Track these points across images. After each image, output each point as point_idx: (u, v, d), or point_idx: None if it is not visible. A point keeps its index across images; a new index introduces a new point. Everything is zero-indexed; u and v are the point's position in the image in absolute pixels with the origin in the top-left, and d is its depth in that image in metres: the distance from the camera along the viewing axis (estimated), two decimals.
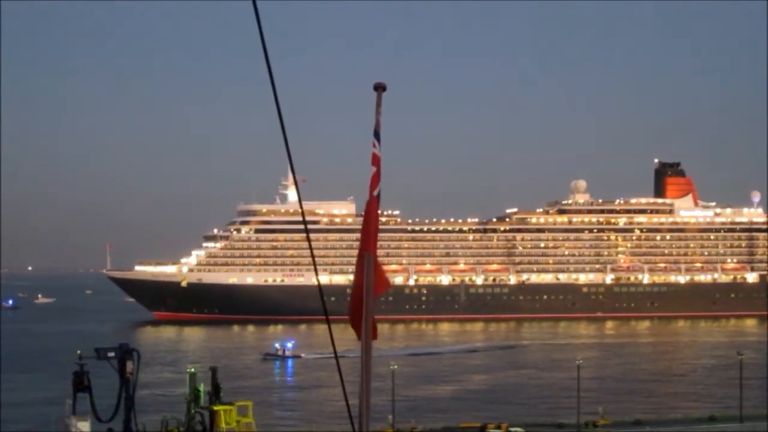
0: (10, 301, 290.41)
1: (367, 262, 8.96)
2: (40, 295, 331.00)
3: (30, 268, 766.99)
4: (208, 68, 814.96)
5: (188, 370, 61.68)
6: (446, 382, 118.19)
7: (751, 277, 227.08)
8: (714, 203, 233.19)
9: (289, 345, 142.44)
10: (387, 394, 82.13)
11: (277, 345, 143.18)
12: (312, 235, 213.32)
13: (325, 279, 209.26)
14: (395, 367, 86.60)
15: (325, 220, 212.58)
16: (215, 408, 57.49)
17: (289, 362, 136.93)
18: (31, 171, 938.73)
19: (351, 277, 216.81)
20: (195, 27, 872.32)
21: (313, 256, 14.25)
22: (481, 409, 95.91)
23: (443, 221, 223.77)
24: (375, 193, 9.06)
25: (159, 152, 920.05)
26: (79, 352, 27.00)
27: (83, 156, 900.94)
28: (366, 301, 8.95)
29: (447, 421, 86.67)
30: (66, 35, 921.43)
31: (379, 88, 9.00)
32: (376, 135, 8.99)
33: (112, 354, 25.83)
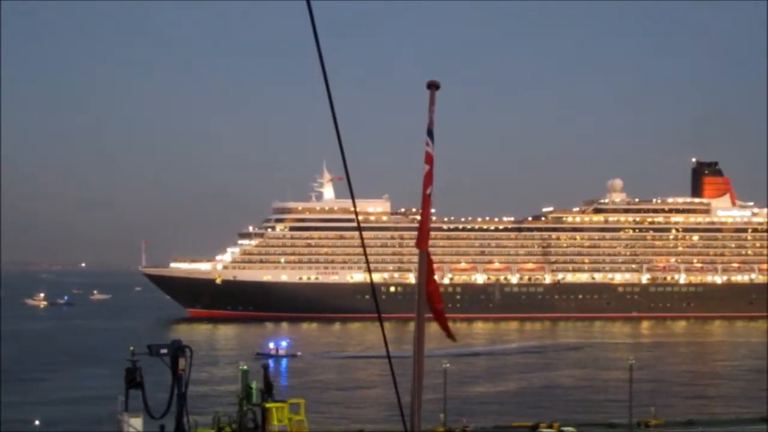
0: (65, 298, 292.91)
1: (420, 259, 8.87)
2: (95, 292, 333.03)
3: (83, 265, 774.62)
4: (245, 66, 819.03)
5: (240, 367, 61.56)
6: (498, 382, 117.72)
7: None
8: (752, 203, 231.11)
9: (284, 344, 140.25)
10: (433, 393, 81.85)
11: (271, 344, 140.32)
12: (346, 233, 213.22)
13: (360, 277, 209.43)
14: (447, 365, 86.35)
15: (360, 218, 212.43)
16: (267, 405, 57.37)
17: (284, 361, 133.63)
18: (69, 171, 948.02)
19: (385, 275, 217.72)
20: (230, 26, 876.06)
21: (365, 254, 14.22)
22: (532, 408, 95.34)
23: (479, 219, 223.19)
24: (428, 191, 8.97)
25: (195, 150, 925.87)
26: (131, 348, 27.12)
27: (119, 154, 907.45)
28: (418, 297, 8.84)
29: (498, 420, 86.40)
30: (96, 34, 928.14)
31: (432, 86, 8.90)
32: (429, 133, 8.90)
33: (164, 351, 25.82)
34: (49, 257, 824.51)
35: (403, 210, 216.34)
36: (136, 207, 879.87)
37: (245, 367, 60.30)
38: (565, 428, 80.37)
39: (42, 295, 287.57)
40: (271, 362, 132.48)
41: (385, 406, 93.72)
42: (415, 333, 8.69)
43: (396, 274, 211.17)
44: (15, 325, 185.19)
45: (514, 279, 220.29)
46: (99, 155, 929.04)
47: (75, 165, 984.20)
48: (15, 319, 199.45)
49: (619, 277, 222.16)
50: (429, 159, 9.02)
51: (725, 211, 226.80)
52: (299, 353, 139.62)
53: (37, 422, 78.30)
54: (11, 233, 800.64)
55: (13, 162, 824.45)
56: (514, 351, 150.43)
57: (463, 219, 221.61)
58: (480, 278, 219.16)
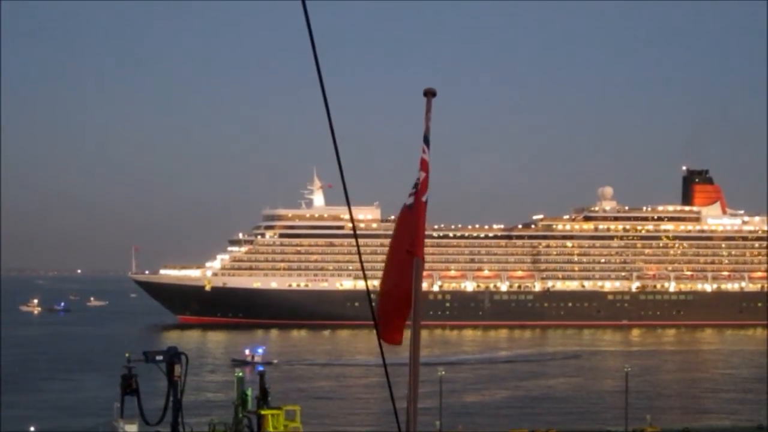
0: (62, 304, 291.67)
1: (416, 267, 8.82)
2: (92, 298, 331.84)
3: (79, 271, 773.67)
4: (237, 72, 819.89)
5: (236, 374, 61.54)
6: (493, 389, 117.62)
7: None
8: (742, 211, 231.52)
9: (260, 351, 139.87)
10: (429, 400, 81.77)
11: (247, 351, 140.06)
12: (336, 241, 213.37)
13: (349, 284, 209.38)
14: (443, 372, 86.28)
15: (350, 225, 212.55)
16: (263, 412, 57.31)
17: (258, 369, 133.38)
18: (66, 177, 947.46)
19: (375, 282, 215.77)
20: (224, 31, 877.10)
21: (361, 260, 14.13)
22: (528, 415, 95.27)
23: (468, 227, 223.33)
24: (423, 198, 9.01)
25: (186, 156, 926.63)
26: (127, 354, 27.06)
27: (110, 159, 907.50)
28: (414, 307, 8.81)
29: (494, 427, 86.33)
30: (93, 36, 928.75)
31: (429, 93, 8.98)
32: (426, 140, 8.95)
33: (160, 357, 25.86)
34: (45, 263, 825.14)
35: (393, 217, 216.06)
36: (131, 213, 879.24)
37: (240, 374, 60.24)
38: None
39: (36, 301, 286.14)
40: (261, 368, 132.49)
41: (372, 414, 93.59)
42: (411, 340, 8.65)
43: None
44: (6, 332, 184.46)
45: (503, 286, 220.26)
46: (96, 160, 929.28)
47: (72, 170, 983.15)
48: (6, 326, 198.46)
49: (609, 285, 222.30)
50: (425, 166, 9.05)
51: (716, 219, 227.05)
52: (275, 361, 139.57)
53: (32, 428, 78.06)
54: (9, 239, 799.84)
55: (9, 168, 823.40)
56: (514, 359, 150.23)
57: (453, 226, 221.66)
58: (470, 286, 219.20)
